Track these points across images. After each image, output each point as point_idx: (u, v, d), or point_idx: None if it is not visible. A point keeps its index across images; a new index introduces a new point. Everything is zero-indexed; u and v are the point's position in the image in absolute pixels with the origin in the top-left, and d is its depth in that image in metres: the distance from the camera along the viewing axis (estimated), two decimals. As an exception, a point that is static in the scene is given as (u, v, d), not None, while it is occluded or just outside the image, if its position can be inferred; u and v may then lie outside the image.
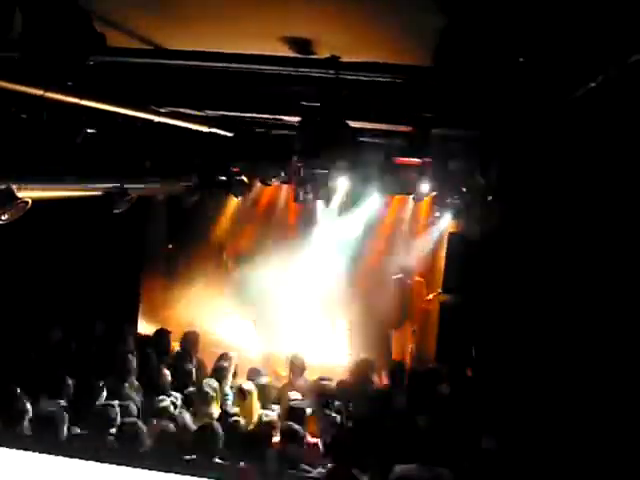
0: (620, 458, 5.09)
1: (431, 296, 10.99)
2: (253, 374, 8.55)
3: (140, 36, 5.12)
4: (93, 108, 6.03)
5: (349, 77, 5.08)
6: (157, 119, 6.94)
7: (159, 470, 3.53)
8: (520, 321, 7.50)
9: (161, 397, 7.20)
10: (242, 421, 6.73)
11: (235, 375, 8.60)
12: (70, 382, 7.03)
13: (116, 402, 6.57)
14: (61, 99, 5.28)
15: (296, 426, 6.41)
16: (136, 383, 7.90)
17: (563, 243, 6.59)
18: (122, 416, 6.29)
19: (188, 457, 5.67)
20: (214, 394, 7.50)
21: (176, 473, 3.54)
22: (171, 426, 6.32)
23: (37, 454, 3.60)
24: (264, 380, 8.31)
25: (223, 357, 8.80)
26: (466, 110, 6.30)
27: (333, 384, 8.31)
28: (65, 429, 5.99)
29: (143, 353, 8.73)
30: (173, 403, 7.23)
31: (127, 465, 3.51)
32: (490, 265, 8.62)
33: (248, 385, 7.78)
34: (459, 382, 8.44)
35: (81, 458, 3.57)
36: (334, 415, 7.68)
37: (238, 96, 6.56)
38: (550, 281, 6.82)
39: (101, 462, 3.54)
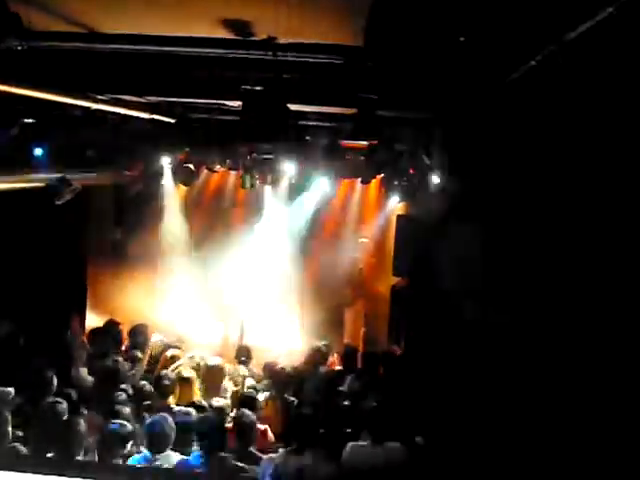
0: (555, 426, 5.21)
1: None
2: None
3: (75, 20, 4.98)
4: (29, 97, 5.86)
5: (288, 59, 5.05)
6: (95, 106, 6.78)
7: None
8: (469, 302, 7.57)
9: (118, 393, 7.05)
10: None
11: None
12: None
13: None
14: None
15: (248, 412, 6.38)
16: (88, 378, 7.77)
17: (508, 223, 6.66)
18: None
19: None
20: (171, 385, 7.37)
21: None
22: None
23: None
24: (213, 361, 8.19)
25: (173, 346, 8.74)
26: (409, 91, 6.30)
27: (287, 368, 8.33)
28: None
29: (94, 345, 8.64)
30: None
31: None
32: (438, 247, 8.67)
33: (188, 372, 7.68)
34: (409, 363, 8.53)
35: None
36: (291, 399, 7.72)
37: (177, 81, 6.46)
38: (496, 261, 6.89)
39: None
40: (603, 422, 4.71)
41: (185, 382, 7.43)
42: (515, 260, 6.37)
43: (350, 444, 5.92)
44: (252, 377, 8.59)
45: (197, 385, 7.60)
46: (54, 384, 6.83)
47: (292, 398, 7.76)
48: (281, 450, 5.96)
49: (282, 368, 8.26)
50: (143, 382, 7.56)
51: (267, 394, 7.91)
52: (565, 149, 5.38)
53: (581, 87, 4.62)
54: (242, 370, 8.60)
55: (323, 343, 9.33)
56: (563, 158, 5.45)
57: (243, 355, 9.18)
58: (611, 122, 4.56)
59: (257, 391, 7.92)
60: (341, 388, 8.07)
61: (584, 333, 5.05)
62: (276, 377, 8.13)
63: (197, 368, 7.98)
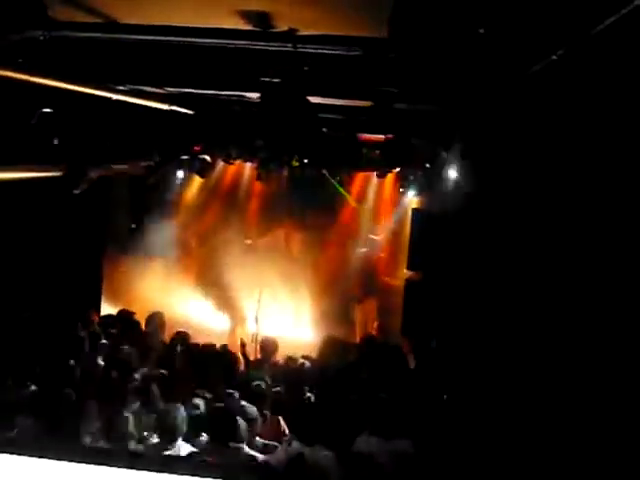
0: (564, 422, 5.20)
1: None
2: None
3: (96, 10, 5.00)
4: (48, 87, 5.89)
5: (308, 51, 5.03)
6: (115, 97, 6.81)
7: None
8: (483, 296, 7.55)
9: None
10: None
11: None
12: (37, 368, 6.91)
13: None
14: (13, 77, 5.15)
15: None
16: (100, 366, 7.80)
17: (525, 218, 6.62)
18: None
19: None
20: None
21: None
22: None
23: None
24: None
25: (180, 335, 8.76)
26: (427, 84, 6.27)
27: (306, 363, 8.29)
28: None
29: (107, 334, 8.67)
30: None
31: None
32: (453, 241, 8.65)
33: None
34: (424, 356, 8.51)
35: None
36: (307, 395, 7.65)
37: (196, 72, 6.45)
38: (511, 256, 6.86)
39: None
40: (608, 419, 4.70)
41: None
42: (532, 255, 6.34)
43: (358, 438, 5.91)
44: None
45: None
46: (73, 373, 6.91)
47: (308, 394, 7.66)
48: (293, 441, 5.94)
49: (301, 364, 8.21)
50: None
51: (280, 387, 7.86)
52: (586, 144, 5.33)
53: (604, 81, 4.57)
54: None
55: (335, 336, 9.30)
56: (584, 154, 5.40)
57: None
58: (636, 119, 4.51)
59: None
60: (354, 380, 8.03)
61: (600, 326, 5.03)
62: (294, 375, 8.02)
63: None
